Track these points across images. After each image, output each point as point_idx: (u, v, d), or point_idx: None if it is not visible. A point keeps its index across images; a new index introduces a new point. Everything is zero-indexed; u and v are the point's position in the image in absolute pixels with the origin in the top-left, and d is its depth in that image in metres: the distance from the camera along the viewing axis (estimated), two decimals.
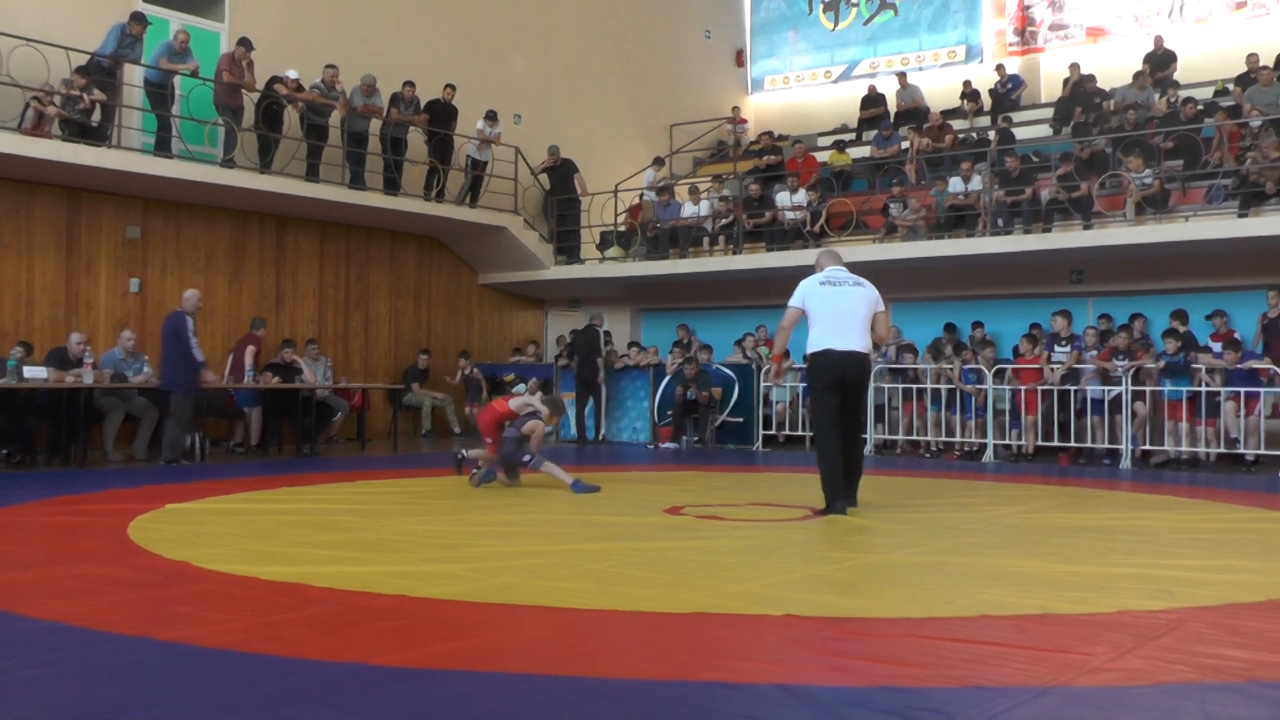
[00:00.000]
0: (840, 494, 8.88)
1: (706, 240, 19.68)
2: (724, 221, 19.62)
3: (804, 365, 9.41)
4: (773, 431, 17.37)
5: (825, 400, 8.92)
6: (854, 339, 8.86)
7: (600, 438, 18.44)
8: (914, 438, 16.03)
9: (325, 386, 16.23)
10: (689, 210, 19.86)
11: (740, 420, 17.45)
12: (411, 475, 12.28)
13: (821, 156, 21.43)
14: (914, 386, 15.95)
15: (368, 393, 17.61)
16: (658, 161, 21.73)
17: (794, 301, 9.04)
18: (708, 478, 12.49)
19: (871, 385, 15.81)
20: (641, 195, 21.34)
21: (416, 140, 18.64)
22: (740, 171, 21.76)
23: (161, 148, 15.29)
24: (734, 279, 18.96)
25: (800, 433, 16.99)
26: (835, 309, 8.90)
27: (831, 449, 8.90)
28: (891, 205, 18.09)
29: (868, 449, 15.80)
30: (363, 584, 5.67)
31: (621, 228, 21.19)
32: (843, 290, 8.96)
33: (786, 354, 9.61)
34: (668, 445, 17.41)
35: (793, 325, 9.13)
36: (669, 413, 17.81)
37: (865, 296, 8.99)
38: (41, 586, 5.70)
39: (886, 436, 16.19)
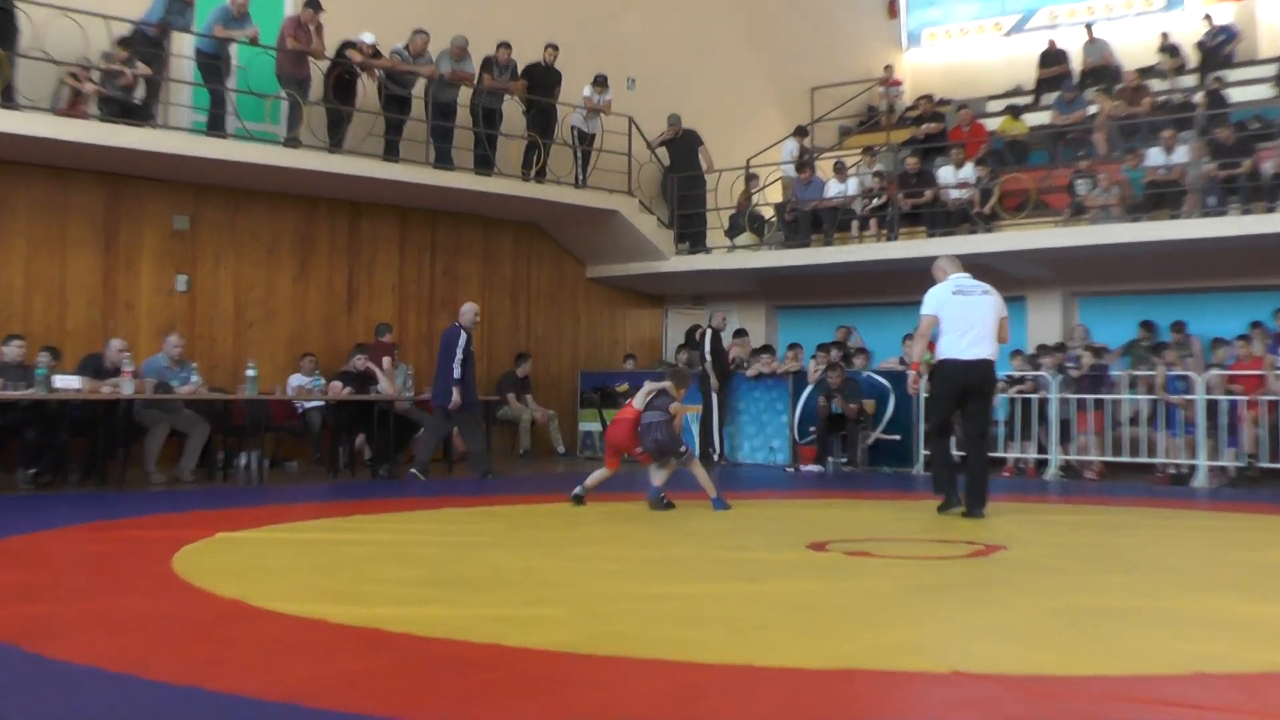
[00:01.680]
0: (952, 494, 10.75)
1: (855, 224, 19.52)
2: (876, 202, 19.46)
3: (931, 371, 11.30)
4: None
5: (943, 406, 10.98)
6: (982, 347, 10.55)
7: (720, 458, 18.41)
8: (1109, 458, 15.68)
9: (406, 398, 16.35)
10: (834, 189, 19.71)
11: (897, 438, 17.27)
12: (507, 501, 12.27)
13: (992, 124, 21.17)
14: (1107, 397, 15.63)
15: None
16: (800, 131, 21.58)
17: (928, 310, 10.76)
18: (858, 506, 12.39)
19: (1054, 397, 15.61)
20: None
21: (513, 111, 18.75)
22: (895, 143, 21.56)
23: (215, 126, 15.52)
24: (888, 270, 18.74)
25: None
26: (965, 318, 10.60)
27: (943, 451, 11.12)
28: (1077, 182, 17.79)
29: (1051, 472, 15.66)
30: (449, 629, 5.65)
31: (765, 210, 21.13)
32: (973, 299, 10.69)
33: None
34: (810, 468, 17.29)
35: (929, 333, 10.84)
36: (811, 429, 17.69)
37: (993, 304, 10.71)
38: (73, 624, 5.79)
39: (1076, 457, 15.88)
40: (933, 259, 11.39)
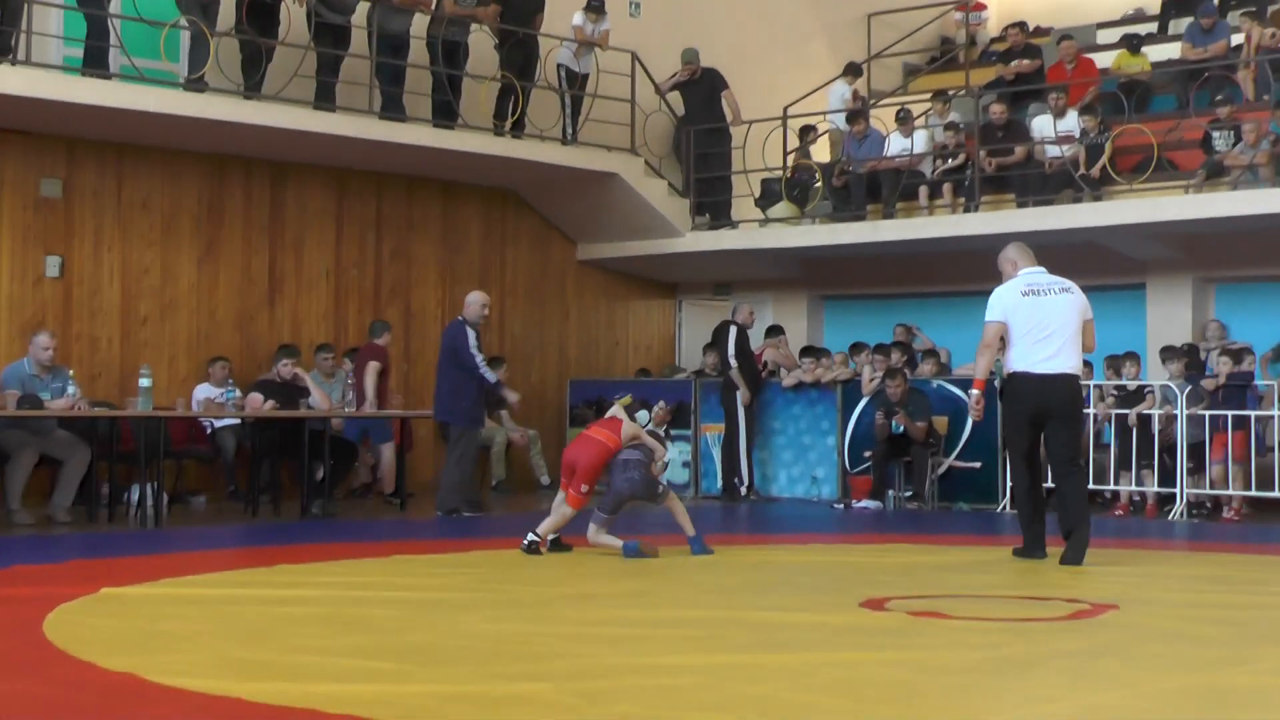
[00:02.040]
0: (1039, 539, 11.21)
1: (924, 191, 19.53)
2: (951, 162, 19.48)
3: (1000, 388, 11.86)
4: None
5: (1021, 432, 11.30)
6: (1062, 359, 10.97)
7: (749, 491, 18.45)
8: (1253, 494, 15.67)
9: (344, 415, 16.36)
10: (897, 145, 19.72)
11: (977, 466, 17.28)
12: (476, 547, 12.35)
13: (1103, 60, 21.19)
14: (1251, 414, 15.62)
15: (409, 424, 17.71)
16: (853, 70, 21.59)
17: (993, 315, 11.17)
18: (926, 553, 12.41)
19: (1182, 413, 15.59)
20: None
21: (483, 45, 18.78)
22: (976, 86, 21.57)
23: (94, 63, 15.50)
24: (965, 250, 18.74)
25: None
26: (1040, 323, 10.98)
27: (1026, 488, 11.34)
28: (1215, 135, 17.78)
29: (1178, 511, 15.68)
30: (402, 710, 5.68)
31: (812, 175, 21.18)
32: (1048, 300, 11.09)
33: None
34: (865, 504, 17.29)
35: (997, 343, 11.24)
36: (867, 455, 17.71)
37: (1074, 304, 11.13)
38: None
39: (1210, 491, 15.87)
40: (1023, 237, 11.53)
